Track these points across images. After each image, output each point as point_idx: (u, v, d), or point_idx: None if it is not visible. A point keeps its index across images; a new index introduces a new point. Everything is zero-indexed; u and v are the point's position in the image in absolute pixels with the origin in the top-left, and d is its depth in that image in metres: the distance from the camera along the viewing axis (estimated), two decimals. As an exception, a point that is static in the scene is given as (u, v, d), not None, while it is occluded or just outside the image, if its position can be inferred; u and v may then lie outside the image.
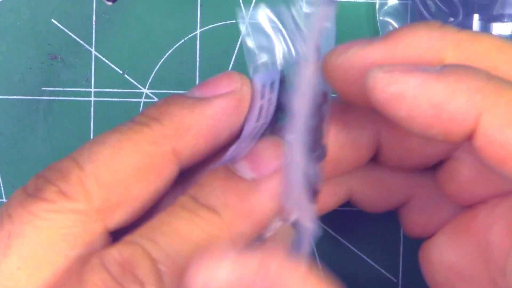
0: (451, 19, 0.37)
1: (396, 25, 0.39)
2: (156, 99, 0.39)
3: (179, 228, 0.26)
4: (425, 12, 0.37)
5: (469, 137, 0.25)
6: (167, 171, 0.27)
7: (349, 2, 0.39)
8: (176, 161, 0.27)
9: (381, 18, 0.39)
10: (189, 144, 0.27)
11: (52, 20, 0.39)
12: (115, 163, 0.26)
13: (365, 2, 0.39)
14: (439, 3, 0.37)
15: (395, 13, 0.39)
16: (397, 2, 0.39)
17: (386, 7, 0.39)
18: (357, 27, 0.39)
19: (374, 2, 0.39)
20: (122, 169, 0.26)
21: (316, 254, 0.39)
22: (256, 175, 0.27)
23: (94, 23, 0.39)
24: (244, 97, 0.28)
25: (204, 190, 0.26)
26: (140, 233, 0.26)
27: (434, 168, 0.31)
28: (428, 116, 0.24)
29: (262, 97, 0.28)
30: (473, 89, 0.24)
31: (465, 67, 0.25)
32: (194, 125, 0.27)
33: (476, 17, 0.36)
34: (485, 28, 0.37)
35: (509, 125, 0.24)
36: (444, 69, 0.25)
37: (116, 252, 0.25)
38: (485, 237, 0.29)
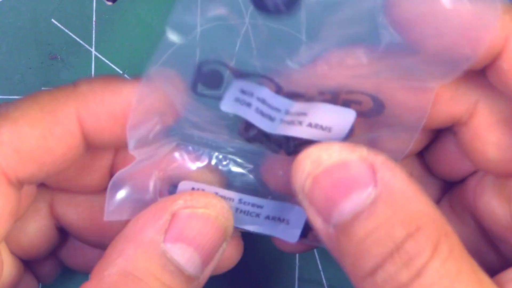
0: None
1: None
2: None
3: None
4: None
5: (496, 59, 0.25)
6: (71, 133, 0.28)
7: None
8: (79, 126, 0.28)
9: None
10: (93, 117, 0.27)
11: (52, 20, 0.39)
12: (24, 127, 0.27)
13: None
14: None
15: None
16: None
17: None
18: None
19: None
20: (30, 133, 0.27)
21: (316, 254, 0.39)
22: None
23: (94, 23, 0.39)
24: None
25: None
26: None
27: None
28: (459, 33, 0.24)
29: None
30: (503, 9, 0.24)
31: None
32: (106, 100, 0.27)
33: None
34: None
35: None
36: None
37: None
38: (476, 206, 0.29)
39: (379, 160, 0.24)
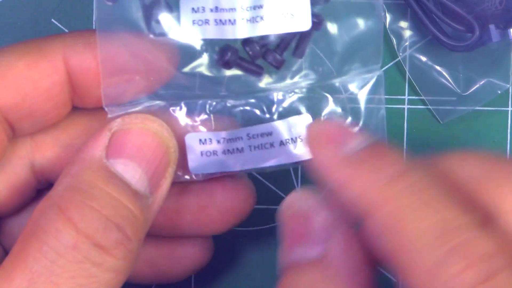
0: (469, 35, 0.36)
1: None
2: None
3: None
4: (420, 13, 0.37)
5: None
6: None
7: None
8: None
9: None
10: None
11: (52, 20, 0.39)
12: None
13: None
14: (452, 23, 0.37)
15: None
16: None
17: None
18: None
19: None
20: None
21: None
22: None
23: (94, 23, 0.39)
24: None
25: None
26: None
27: None
28: None
29: None
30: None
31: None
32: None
33: (492, 27, 0.36)
34: (504, 35, 0.36)
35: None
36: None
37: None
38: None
39: None
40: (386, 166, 0.24)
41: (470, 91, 0.39)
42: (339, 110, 0.30)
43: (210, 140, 0.29)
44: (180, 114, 0.29)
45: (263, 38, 0.28)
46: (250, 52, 0.29)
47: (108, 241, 0.25)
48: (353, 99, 0.30)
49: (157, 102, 0.29)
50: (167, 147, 0.28)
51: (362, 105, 0.30)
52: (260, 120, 0.29)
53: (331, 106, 0.30)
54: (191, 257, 0.32)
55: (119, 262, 0.25)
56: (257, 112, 0.30)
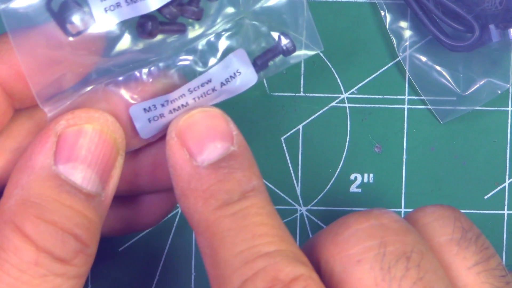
0: (469, 35, 0.36)
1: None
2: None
3: None
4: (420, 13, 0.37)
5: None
6: None
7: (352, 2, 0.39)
8: None
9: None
10: None
11: (52, 20, 0.38)
12: None
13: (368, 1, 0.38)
14: (452, 23, 0.37)
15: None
16: None
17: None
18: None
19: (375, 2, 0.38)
20: None
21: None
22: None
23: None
24: None
25: None
26: None
27: None
28: None
29: None
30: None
31: None
32: None
33: (492, 27, 0.36)
34: (504, 35, 0.36)
35: None
36: None
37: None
38: None
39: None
40: (222, 191, 0.27)
41: (470, 91, 0.39)
42: (266, 32, 0.30)
43: (154, 106, 0.29)
44: (118, 89, 0.29)
45: None
46: (168, 16, 0.29)
47: (68, 253, 0.26)
48: (276, 14, 0.30)
49: (92, 86, 0.29)
50: (115, 140, 0.28)
51: (287, 17, 0.30)
52: (198, 73, 0.30)
53: (258, 32, 0.30)
54: (157, 207, 0.33)
55: (81, 268, 0.26)
56: (193, 66, 0.30)
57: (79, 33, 0.28)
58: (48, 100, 0.28)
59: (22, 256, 0.25)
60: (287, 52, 0.30)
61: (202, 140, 0.28)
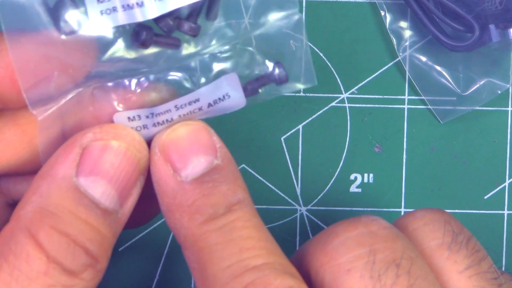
0: (469, 35, 0.37)
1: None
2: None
3: None
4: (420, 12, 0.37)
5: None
6: None
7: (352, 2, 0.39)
8: None
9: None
10: None
11: (52, 20, 0.38)
12: None
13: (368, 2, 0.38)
14: (452, 23, 0.37)
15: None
16: None
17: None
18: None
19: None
20: None
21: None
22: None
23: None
24: None
25: None
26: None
27: None
28: None
29: None
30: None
31: None
32: None
33: (492, 27, 0.36)
34: (504, 35, 0.36)
35: None
36: None
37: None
38: None
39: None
40: (208, 205, 0.27)
41: (470, 91, 0.39)
42: (261, 59, 0.30)
43: (139, 116, 0.29)
44: (106, 94, 0.29)
45: (174, 11, 0.28)
46: (165, 29, 0.29)
47: (77, 266, 0.26)
48: (274, 44, 0.30)
49: (81, 89, 0.29)
50: (139, 160, 0.28)
51: (285, 48, 0.30)
52: (187, 90, 0.30)
53: (253, 58, 0.30)
54: (146, 206, 0.32)
55: (89, 283, 0.26)
56: (183, 82, 0.30)
57: (72, 32, 0.28)
58: (37, 102, 0.28)
59: (33, 265, 0.25)
60: (279, 81, 0.30)
61: (186, 155, 0.28)
